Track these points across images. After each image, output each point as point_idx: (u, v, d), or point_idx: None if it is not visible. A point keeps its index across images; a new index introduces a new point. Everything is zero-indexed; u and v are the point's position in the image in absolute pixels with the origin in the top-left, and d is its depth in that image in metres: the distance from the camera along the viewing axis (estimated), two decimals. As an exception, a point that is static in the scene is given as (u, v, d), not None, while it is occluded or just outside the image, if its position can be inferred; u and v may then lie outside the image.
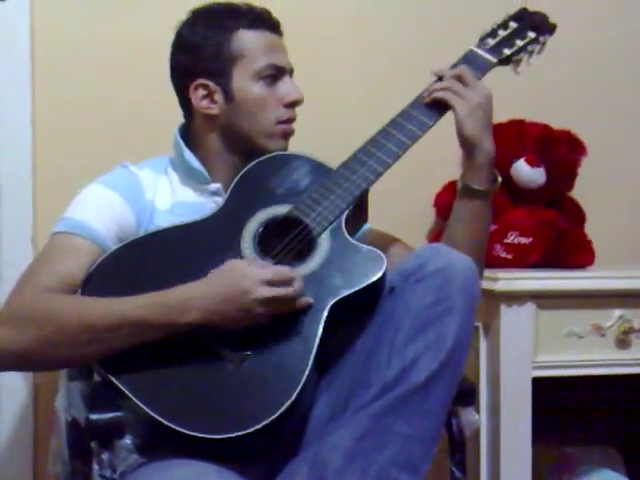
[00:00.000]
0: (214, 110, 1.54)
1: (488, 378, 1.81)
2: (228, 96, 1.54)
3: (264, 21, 1.56)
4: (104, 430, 1.30)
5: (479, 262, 1.49)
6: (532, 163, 2.00)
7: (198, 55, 1.54)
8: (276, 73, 1.54)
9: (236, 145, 1.55)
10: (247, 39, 1.54)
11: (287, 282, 1.34)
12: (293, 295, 1.34)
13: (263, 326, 1.35)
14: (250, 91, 1.53)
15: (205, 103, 1.54)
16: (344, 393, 1.36)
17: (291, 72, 1.58)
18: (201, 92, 1.54)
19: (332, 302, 1.36)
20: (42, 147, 1.91)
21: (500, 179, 1.54)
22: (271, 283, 1.33)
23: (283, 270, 1.36)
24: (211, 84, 1.54)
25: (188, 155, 1.56)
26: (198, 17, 1.57)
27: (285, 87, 1.55)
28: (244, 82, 1.53)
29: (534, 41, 1.60)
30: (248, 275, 1.34)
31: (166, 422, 1.29)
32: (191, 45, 1.55)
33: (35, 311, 1.35)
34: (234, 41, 1.53)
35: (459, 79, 1.50)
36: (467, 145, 1.50)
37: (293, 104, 1.55)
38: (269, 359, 1.34)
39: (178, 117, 1.62)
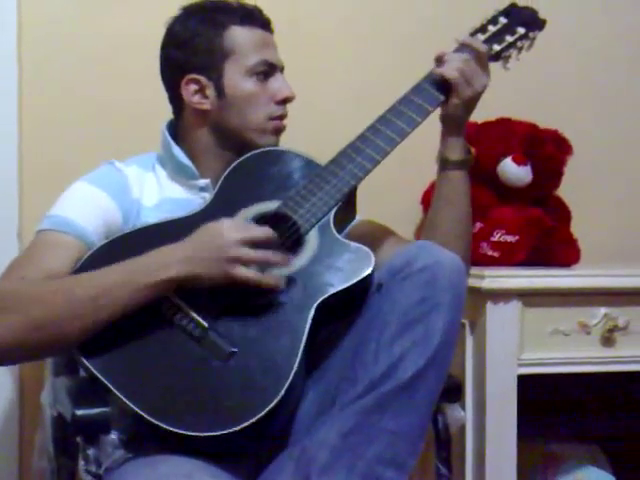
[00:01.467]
0: (206, 105, 1.54)
1: (474, 375, 1.82)
2: (220, 91, 1.54)
3: (255, 18, 1.56)
4: (90, 426, 1.30)
5: (464, 241, 1.51)
6: (519, 162, 2.00)
7: (190, 50, 1.54)
8: (268, 69, 1.55)
9: (227, 141, 1.55)
10: (239, 35, 1.54)
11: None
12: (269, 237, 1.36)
13: (251, 321, 1.35)
14: (242, 87, 1.53)
15: (197, 98, 1.54)
16: (331, 389, 1.36)
17: (282, 69, 1.59)
18: (193, 87, 1.54)
19: (320, 300, 1.36)
20: (29, 142, 1.90)
21: (473, 151, 1.57)
22: (245, 229, 1.37)
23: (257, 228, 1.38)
24: (203, 79, 1.54)
25: (176, 151, 1.55)
26: (189, 13, 1.57)
27: (277, 84, 1.55)
28: (236, 78, 1.53)
29: (524, 37, 1.61)
30: (223, 224, 1.37)
31: (152, 419, 1.29)
32: (183, 41, 1.55)
33: (18, 296, 1.35)
34: (226, 37, 1.53)
35: (478, 59, 1.51)
36: (450, 124, 1.54)
37: (284, 101, 1.56)
38: (256, 356, 1.34)
39: (167, 113, 1.62)
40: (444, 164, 1.55)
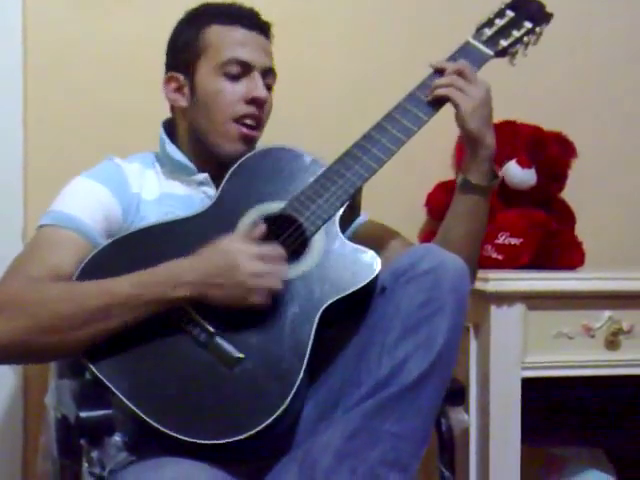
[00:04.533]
0: (182, 102, 1.56)
1: (478, 378, 1.82)
2: (192, 90, 1.55)
3: (242, 18, 1.55)
4: (94, 428, 1.30)
5: (474, 258, 1.49)
6: (523, 164, 2.00)
7: (173, 50, 1.58)
8: (241, 69, 1.52)
9: (199, 144, 1.55)
10: (216, 33, 1.54)
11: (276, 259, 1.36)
12: (283, 270, 1.34)
13: (257, 326, 1.34)
14: (209, 84, 1.53)
15: (175, 95, 1.56)
16: (334, 393, 1.36)
17: (265, 72, 1.55)
18: (173, 85, 1.56)
19: (325, 305, 1.35)
20: (33, 142, 1.90)
21: (500, 175, 1.53)
22: (261, 258, 1.34)
23: (271, 248, 1.36)
24: (181, 77, 1.55)
25: (170, 147, 1.56)
26: (184, 15, 1.60)
27: (249, 84, 1.53)
28: (206, 75, 1.53)
29: (530, 32, 1.59)
30: (238, 250, 1.34)
31: (157, 425, 1.28)
32: (170, 41, 1.59)
33: (27, 299, 1.34)
34: (203, 35, 1.54)
35: (460, 74, 1.50)
36: (470, 140, 1.50)
37: (253, 101, 1.52)
38: (263, 362, 1.33)
39: (169, 115, 1.63)
40: (463, 185, 1.51)
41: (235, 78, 1.52)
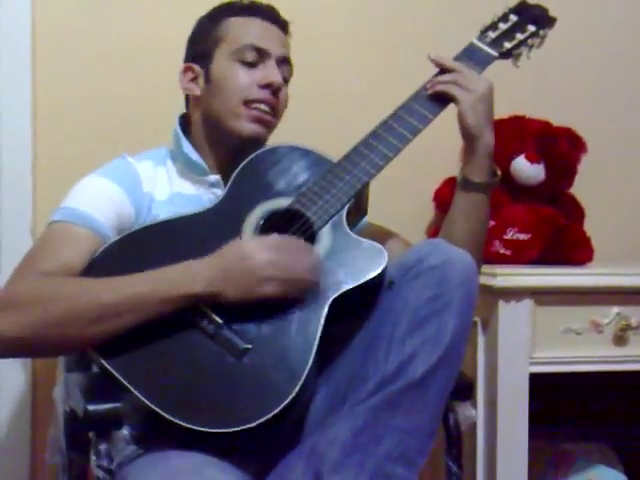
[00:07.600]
0: (196, 91, 1.57)
1: (485, 373, 1.81)
2: (208, 77, 1.56)
3: (260, 11, 1.58)
4: (102, 421, 1.30)
5: (477, 256, 1.49)
6: (532, 160, 2.00)
7: (190, 42, 1.60)
8: (257, 56, 1.55)
9: (215, 132, 1.56)
10: (234, 24, 1.57)
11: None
12: (296, 260, 1.34)
13: (265, 318, 1.35)
14: (223, 69, 1.55)
15: (190, 85, 1.58)
16: (342, 387, 1.36)
17: (281, 61, 1.57)
18: (189, 75, 1.58)
19: (333, 297, 1.35)
20: (42, 138, 1.91)
21: (500, 173, 1.55)
22: (275, 247, 1.35)
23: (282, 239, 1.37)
24: (197, 67, 1.57)
25: (187, 147, 1.56)
26: (205, 13, 1.62)
27: (264, 70, 1.55)
28: (222, 61, 1.55)
29: (534, 35, 1.61)
30: (251, 243, 1.36)
31: (166, 415, 1.29)
32: (190, 35, 1.61)
33: (39, 294, 1.34)
34: (220, 25, 1.57)
35: (460, 73, 1.50)
36: (468, 137, 1.51)
37: (267, 86, 1.54)
38: (271, 353, 1.33)
39: (178, 110, 1.63)
40: (464, 184, 1.52)
41: (251, 65, 1.55)
